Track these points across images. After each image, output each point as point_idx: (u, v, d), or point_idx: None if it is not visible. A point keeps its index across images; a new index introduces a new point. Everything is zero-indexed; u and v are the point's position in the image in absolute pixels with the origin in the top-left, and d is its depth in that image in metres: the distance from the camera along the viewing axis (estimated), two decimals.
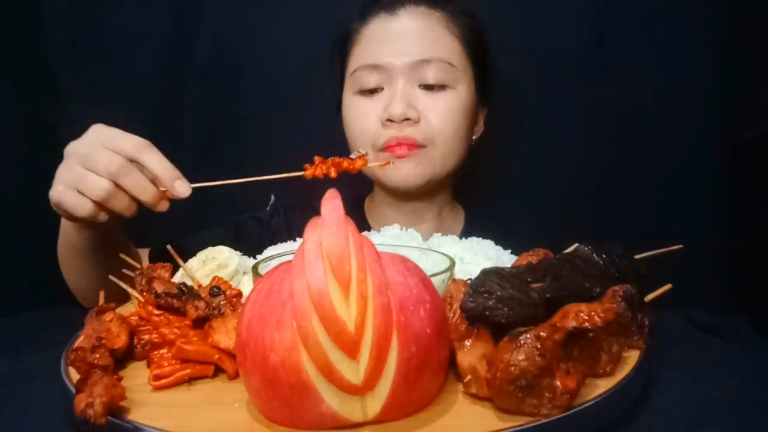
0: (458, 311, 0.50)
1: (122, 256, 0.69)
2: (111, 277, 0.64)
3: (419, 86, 0.87)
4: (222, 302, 0.57)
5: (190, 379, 0.52)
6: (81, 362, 0.50)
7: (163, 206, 0.65)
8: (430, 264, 0.62)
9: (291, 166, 0.72)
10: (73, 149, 0.64)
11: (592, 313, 0.47)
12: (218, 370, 0.53)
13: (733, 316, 0.76)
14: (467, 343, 0.48)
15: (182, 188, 0.64)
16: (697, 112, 1.07)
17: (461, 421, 0.44)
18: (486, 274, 0.50)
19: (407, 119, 0.85)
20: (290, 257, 0.46)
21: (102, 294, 0.60)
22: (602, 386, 0.47)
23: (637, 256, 0.60)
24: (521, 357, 0.42)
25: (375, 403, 0.42)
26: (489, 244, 0.73)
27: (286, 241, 0.77)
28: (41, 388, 0.56)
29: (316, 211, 0.45)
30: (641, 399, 0.50)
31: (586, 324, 0.46)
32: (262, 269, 0.58)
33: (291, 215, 1.01)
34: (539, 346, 0.43)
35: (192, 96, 1.14)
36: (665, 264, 0.59)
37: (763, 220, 1.01)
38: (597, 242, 0.59)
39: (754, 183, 1.03)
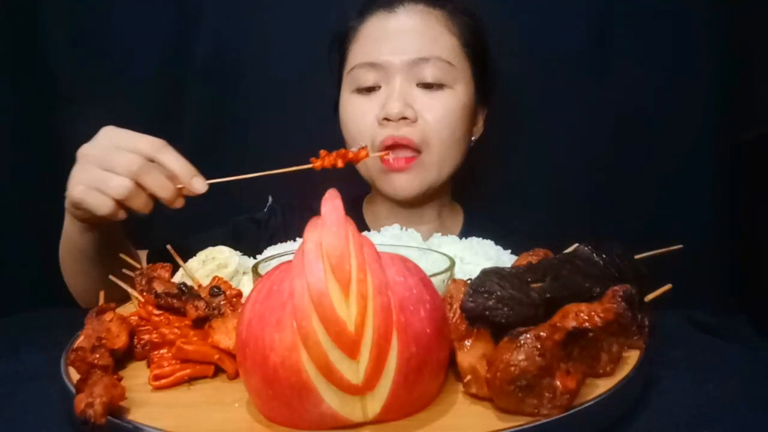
0: (458, 311, 0.50)
1: (122, 256, 0.69)
2: (111, 277, 0.64)
3: (417, 85, 0.87)
4: (222, 302, 0.57)
5: (190, 379, 0.52)
6: (81, 362, 0.50)
7: (179, 203, 0.67)
8: (430, 264, 0.62)
9: (291, 165, 0.72)
10: (87, 151, 0.66)
11: (592, 313, 0.47)
12: (218, 370, 0.53)
13: (733, 316, 0.76)
14: (467, 343, 0.48)
15: (199, 184, 0.66)
16: (697, 112, 1.07)
17: (461, 421, 0.44)
18: (486, 274, 0.50)
19: (404, 118, 0.84)
20: (290, 257, 0.46)
21: (102, 294, 0.60)
22: (602, 386, 0.47)
23: (637, 256, 0.60)
24: (521, 357, 0.42)
25: (375, 403, 0.42)
26: (489, 244, 0.73)
27: (284, 242, 0.77)
28: (41, 388, 0.55)
29: (314, 212, 0.45)
30: (641, 399, 0.50)
31: (586, 324, 0.46)
32: (262, 269, 0.58)
33: (289, 216, 1.01)
34: (539, 346, 0.43)
35: (192, 96, 1.14)
36: (665, 264, 0.59)
37: (763, 220, 1.01)
38: (597, 242, 0.59)
39: (754, 183, 1.03)
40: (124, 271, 0.67)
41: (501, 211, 1.07)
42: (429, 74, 0.86)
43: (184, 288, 0.59)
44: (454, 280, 0.55)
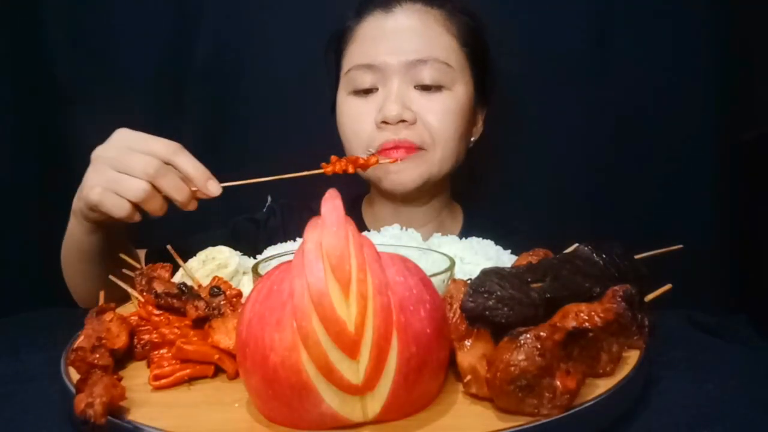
0: (458, 311, 0.50)
1: (122, 256, 0.70)
2: (111, 277, 0.64)
3: (415, 87, 0.86)
4: (222, 302, 0.56)
5: (190, 379, 0.52)
6: (81, 362, 0.50)
7: (193, 206, 0.68)
8: (430, 264, 0.62)
9: (291, 165, 0.73)
10: (102, 153, 0.66)
11: (592, 313, 0.47)
12: (218, 370, 0.53)
13: (733, 316, 0.76)
14: (467, 343, 0.48)
15: (214, 187, 0.67)
16: (697, 112, 1.07)
17: (461, 421, 0.44)
18: (486, 274, 0.50)
19: (402, 121, 0.83)
20: (290, 257, 0.46)
21: (102, 294, 0.60)
22: (602, 386, 0.47)
23: (637, 256, 0.60)
24: (521, 357, 0.42)
25: (375, 403, 0.42)
26: (489, 244, 0.73)
27: (283, 243, 0.77)
28: (41, 388, 0.55)
29: (313, 212, 0.45)
30: (641, 399, 0.50)
31: (586, 324, 0.46)
32: (262, 269, 0.58)
33: (288, 216, 1.01)
34: (539, 346, 0.43)
35: (192, 96, 1.14)
36: (665, 264, 0.59)
37: (763, 220, 1.01)
38: (597, 242, 0.59)
39: (754, 183, 1.03)
40: (124, 271, 0.67)
41: (501, 211, 1.07)
42: (427, 76, 0.85)
43: (184, 288, 0.59)
44: (454, 280, 0.55)
